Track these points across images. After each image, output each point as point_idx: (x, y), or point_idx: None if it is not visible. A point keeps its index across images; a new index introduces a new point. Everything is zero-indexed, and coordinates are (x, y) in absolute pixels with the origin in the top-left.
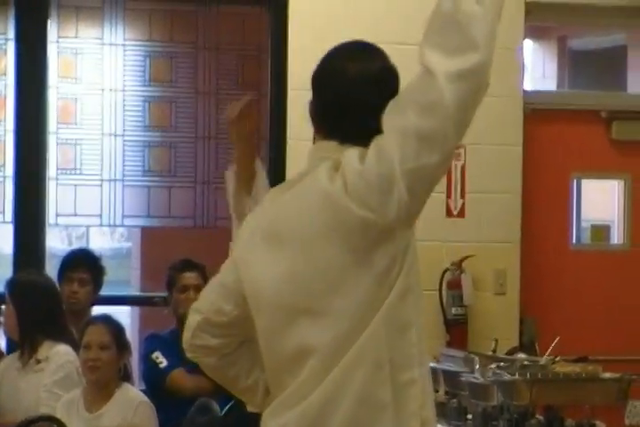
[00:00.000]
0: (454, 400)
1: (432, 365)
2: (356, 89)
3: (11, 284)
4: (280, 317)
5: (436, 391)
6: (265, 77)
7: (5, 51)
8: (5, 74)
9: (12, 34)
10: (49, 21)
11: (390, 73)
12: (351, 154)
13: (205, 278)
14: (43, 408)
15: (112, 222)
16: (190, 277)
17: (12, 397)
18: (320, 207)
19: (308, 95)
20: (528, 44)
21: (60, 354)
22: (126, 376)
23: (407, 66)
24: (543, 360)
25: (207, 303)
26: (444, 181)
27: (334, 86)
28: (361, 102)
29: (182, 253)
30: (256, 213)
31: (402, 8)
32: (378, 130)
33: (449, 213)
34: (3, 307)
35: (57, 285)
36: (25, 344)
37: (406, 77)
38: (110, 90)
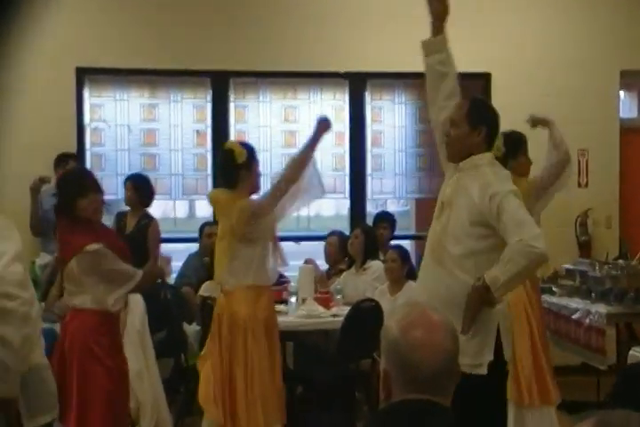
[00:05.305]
0: (584, 286)
1: (570, 267)
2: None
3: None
4: None
5: (573, 281)
6: None
7: (343, 108)
8: (343, 121)
9: (346, 100)
10: (366, 93)
11: None
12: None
13: None
14: (367, 293)
15: (400, 196)
16: None
17: (351, 289)
18: None
19: None
20: (621, 92)
21: (375, 265)
22: (410, 276)
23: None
24: (633, 262)
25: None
26: (576, 168)
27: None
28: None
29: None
30: None
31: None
32: None
33: (579, 185)
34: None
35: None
36: (358, 262)
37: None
38: (399, 127)
